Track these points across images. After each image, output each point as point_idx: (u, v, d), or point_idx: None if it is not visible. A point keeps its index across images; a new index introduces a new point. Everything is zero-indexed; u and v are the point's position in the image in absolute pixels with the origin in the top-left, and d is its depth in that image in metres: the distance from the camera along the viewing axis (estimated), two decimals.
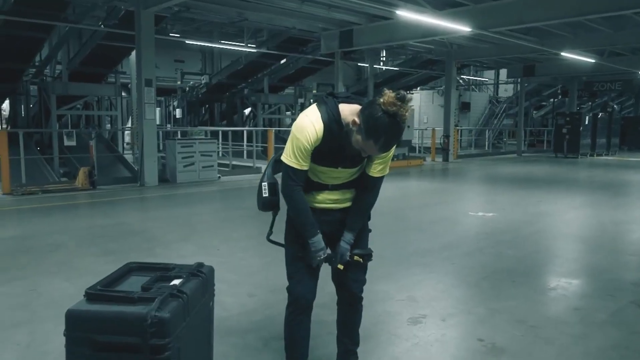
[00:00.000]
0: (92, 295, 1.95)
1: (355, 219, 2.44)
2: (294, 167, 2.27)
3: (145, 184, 10.28)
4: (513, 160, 19.08)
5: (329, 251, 2.40)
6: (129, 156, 13.94)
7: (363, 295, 2.61)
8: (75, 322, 1.87)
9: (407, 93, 2.15)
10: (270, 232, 2.59)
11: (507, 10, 10.54)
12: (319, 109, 2.24)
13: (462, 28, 10.97)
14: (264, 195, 2.50)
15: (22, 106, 14.90)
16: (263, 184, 2.52)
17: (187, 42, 16.55)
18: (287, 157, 2.28)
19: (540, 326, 3.47)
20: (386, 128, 2.05)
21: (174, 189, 10.20)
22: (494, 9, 10.74)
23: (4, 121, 17.54)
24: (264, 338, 3.22)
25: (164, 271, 2.26)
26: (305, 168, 2.29)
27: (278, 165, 2.45)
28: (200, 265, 2.38)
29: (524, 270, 4.80)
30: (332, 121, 2.21)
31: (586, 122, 19.86)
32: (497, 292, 4.16)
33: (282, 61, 18.46)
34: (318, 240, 2.33)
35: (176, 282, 2.12)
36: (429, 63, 20.44)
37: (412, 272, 4.67)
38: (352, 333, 2.68)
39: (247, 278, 4.41)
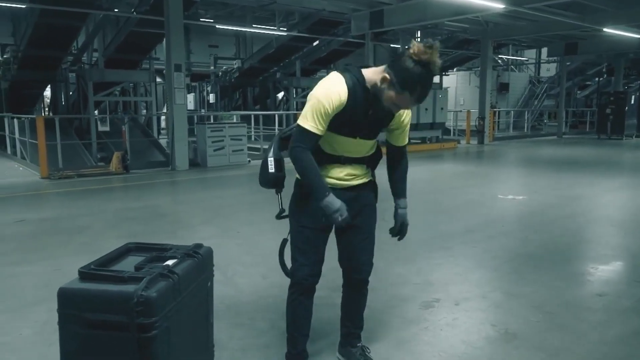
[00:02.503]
0: (84, 274, 1.99)
1: (400, 184, 2.52)
2: (309, 129, 2.17)
3: (177, 168, 10.47)
4: (553, 142, 18.44)
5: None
6: (164, 141, 14.22)
7: (376, 278, 2.61)
8: (66, 300, 1.91)
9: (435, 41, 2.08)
10: (281, 211, 2.55)
11: None
12: (342, 74, 2.20)
13: (495, 5, 10.59)
14: (270, 170, 2.43)
15: (62, 93, 15.41)
16: (269, 159, 2.45)
17: (218, 26, 16.65)
18: (304, 120, 2.19)
19: (557, 312, 3.35)
20: (420, 77, 2.04)
21: (204, 172, 10.35)
22: None
23: (46, 107, 18.21)
24: (272, 320, 3.23)
25: (161, 252, 2.29)
26: (320, 133, 2.19)
27: (285, 142, 2.41)
28: (198, 246, 2.39)
29: (548, 255, 4.64)
30: (356, 85, 2.18)
31: (632, 102, 18.94)
32: (517, 277, 4.04)
33: (314, 44, 18.35)
34: (331, 200, 2.19)
35: (169, 262, 2.14)
36: (465, 43, 19.89)
37: (432, 256, 4.58)
38: (355, 317, 2.65)
39: (263, 260, 4.43)
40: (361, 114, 2.21)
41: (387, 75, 2.09)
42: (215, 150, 11.10)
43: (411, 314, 3.35)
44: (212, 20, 17.22)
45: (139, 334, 1.83)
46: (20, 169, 10.89)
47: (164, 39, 11.14)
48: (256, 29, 16.92)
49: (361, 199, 2.45)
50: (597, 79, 27.81)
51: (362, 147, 2.37)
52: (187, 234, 5.39)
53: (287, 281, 2.51)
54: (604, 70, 25.93)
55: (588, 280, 4.01)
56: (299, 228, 2.40)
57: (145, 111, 17.38)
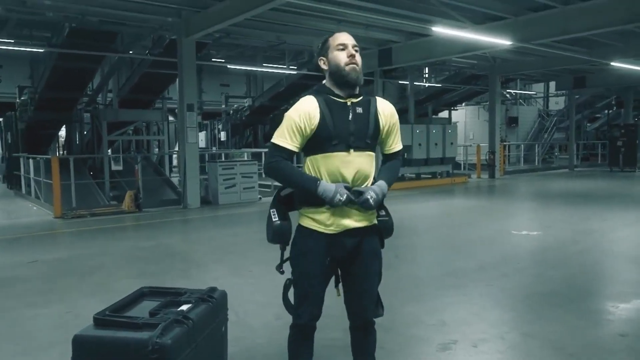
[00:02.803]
0: (99, 320, 1.99)
1: (384, 172, 2.43)
2: (281, 144, 2.24)
3: (188, 206, 10.53)
4: (564, 175, 18.33)
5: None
6: (176, 179, 14.36)
7: (380, 319, 2.53)
8: (81, 348, 1.91)
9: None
10: (281, 264, 2.49)
11: (549, 21, 10.23)
12: (310, 94, 2.34)
13: (503, 42, 10.74)
14: (273, 220, 2.37)
15: (77, 133, 15.71)
16: (272, 210, 2.41)
17: (229, 66, 17.02)
18: (276, 137, 2.27)
19: (579, 354, 3.26)
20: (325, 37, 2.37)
21: (215, 210, 10.39)
22: (535, 20, 10.45)
23: (61, 147, 18.53)
24: None
25: (175, 296, 2.29)
26: (292, 147, 2.23)
27: (282, 199, 2.44)
28: (212, 290, 2.39)
29: (565, 292, 4.55)
30: (322, 93, 2.31)
31: None
32: (534, 316, 3.95)
33: (323, 82, 18.62)
34: (325, 187, 2.19)
35: (184, 307, 2.13)
36: (473, 78, 20.09)
37: (445, 294, 4.51)
38: (367, 358, 2.60)
39: (276, 300, 4.32)
40: (344, 118, 2.26)
41: (320, 59, 2.35)
42: (226, 188, 11.16)
43: (429, 356, 3.28)
44: (223, 60, 17.64)
45: None
46: (35, 208, 11.01)
47: (177, 80, 11.43)
48: (266, 68, 17.27)
49: (364, 245, 2.38)
50: (606, 111, 27.83)
51: (360, 162, 2.30)
52: (199, 274, 5.37)
53: None
54: (613, 102, 25.96)
55: (608, 320, 3.91)
56: (302, 276, 2.39)
57: (157, 150, 17.65)
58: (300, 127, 2.23)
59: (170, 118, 18.21)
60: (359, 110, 2.33)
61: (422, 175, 15.41)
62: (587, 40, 12.98)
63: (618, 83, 19.52)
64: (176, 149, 18.55)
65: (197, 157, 10.97)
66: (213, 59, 15.89)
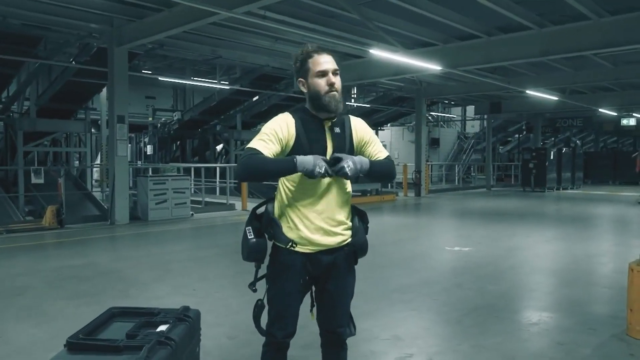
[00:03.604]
0: (73, 344, 1.84)
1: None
2: (254, 146, 2.15)
3: (116, 222, 10.02)
4: (483, 194, 19.43)
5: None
6: (97, 194, 13.62)
7: (345, 340, 2.54)
8: None
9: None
10: (254, 283, 2.38)
11: (475, 50, 10.93)
12: (287, 112, 2.35)
13: (433, 67, 11.31)
14: (249, 238, 2.29)
15: None
16: (247, 228, 2.34)
17: (160, 78, 16.53)
18: (251, 142, 2.20)
19: None
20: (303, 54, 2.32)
21: (145, 227, 9.95)
22: (463, 48, 11.13)
23: None
24: None
25: (149, 316, 2.17)
26: (267, 152, 2.15)
27: (258, 217, 2.39)
28: (186, 309, 2.30)
29: (504, 305, 4.81)
30: (299, 111, 2.32)
31: (551, 157, 20.49)
32: (481, 329, 4.14)
33: (255, 98, 18.59)
34: (302, 160, 2.10)
35: (163, 328, 2.03)
36: (399, 100, 20.91)
37: (395, 309, 4.61)
38: None
39: (226, 319, 4.27)
40: (320, 138, 2.27)
41: (299, 81, 2.32)
42: (157, 204, 10.75)
43: None
44: (151, 72, 17.09)
45: None
46: None
47: (103, 90, 10.92)
48: (197, 82, 16.95)
49: (340, 261, 2.38)
50: (517, 135, 29.98)
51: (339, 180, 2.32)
52: (140, 293, 5.12)
53: (255, 338, 2.45)
54: (523, 127, 28.02)
55: (546, 330, 4.17)
56: (278, 294, 2.35)
57: (78, 162, 16.67)
58: (279, 137, 2.20)
59: (93, 130, 17.31)
60: (337, 130, 2.36)
61: (353, 193, 15.65)
62: (505, 69, 13.99)
63: (530, 109, 21.14)
64: (97, 162, 17.66)
65: (127, 171, 10.52)
66: (142, 71, 15.34)
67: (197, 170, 15.17)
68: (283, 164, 2.13)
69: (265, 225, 2.32)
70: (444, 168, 24.87)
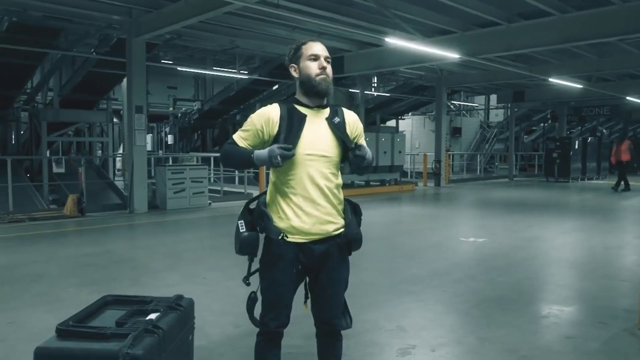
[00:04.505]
0: (63, 331, 1.88)
1: None
2: (233, 138, 2.30)
3: (135, 210, 10.18)
4: (505, 184, 19.14)
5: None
6: (119, 183, 13.86)
7: (341, 331, 2.52)
8: None
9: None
10: (248, 277, 2.43)
11: (495, 38, 10.70)
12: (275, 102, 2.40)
13: (451, 55, 11.12)
14: (241, 231, 2.33)
15: (13, 133, 14.86)
16: (239, 222, 2.37)
17: (179, 68, 16.66)
18: (232, 136, 2.33)
19: (531, 356, 3.40)
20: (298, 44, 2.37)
21: (163, 215, 10.10)
22: (482, 36, 10.91)
23: None
24: None
25: (141, 304, 2.20)
26: (242, 144, 2.29)
27: (251, 210, 2.43)
28: (179, 297, 2.32)
29: (515, 297, 4.74)
30: (287, 102, 2.35)
31: (576, 147, 20.04)
32: (488, 321, 4.09)
33: (274, 87, 18.60)
34: (258, 154, 2.20)
35: (152, 316, 2.06)
36: (420, 89, 20.66)
37: (402, 301, 4.59)
38: None
39: (233, 308, 4.31)
40: (299, 129, 2.26)
41: (291, 67, 2.34)
42: (175, 193, 10.89)
43: None
44: (172, 62, 17.23)
45: None
46: None
47: (124, 80, 11.07)
48: (217, 72, 17.03)
49: (333, 251, 2.37)
50: (542, 124, 29.38)
51: (329, 165, 2.33)
52: (151, 281, 5.20)
53: None
54: (548, 116, 27.44)
55: (555, 323, 4.10)
56: (271, 284, 2.36)
57: (100, 152, 16.97)
58: (257, 129, 2.28)
59: (115, 120, 17.60)
60: (337, 120, 2.37)
61: (372, 183, 15.64)
62: (527, 56, 13.68)
63: (554, 98, 20.66)
64: (120, 151, 17.96)
65: (145, 161, 10.65)
66: (162, 61, 15.48)
67: (217, 160, 15.30)
68: (243, 158, 2.25)
69: (256, 218, 2.33)
70: (465, 157, 24.55)
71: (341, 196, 2.42)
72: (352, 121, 2.45)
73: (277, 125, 2.26)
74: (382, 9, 9.21)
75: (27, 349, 3.40)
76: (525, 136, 30.68)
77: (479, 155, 24.90)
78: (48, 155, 13.38)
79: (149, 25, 9.72)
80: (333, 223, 2.35)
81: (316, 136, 2.29)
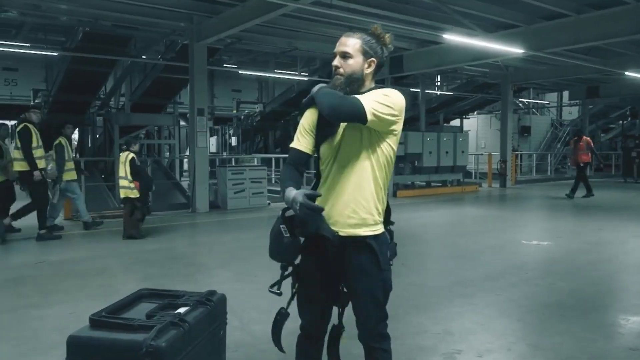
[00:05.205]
0: (95, 321, 1.97)
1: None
2: (290, 146, 2.25)
3: (197, 210, 10.54)
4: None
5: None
6: (186, 183, 14.40)
7: (382, 347, 2.30)
8: (75, 348, 1.88)
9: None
10: (280, 284, 2.33)
11: (562, 30, 10.14)
12: None
13: (515, 50, 10.66)
14: (285, 235, 2.17)
15: (89, 136, 15.86)
16: (281, 226, 2.19)
17: (241, 72, 17.08)
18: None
19: None
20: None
21: (223, 215, 10.38)
22: (547, 29, 10.37)
23: (73, 150, 18.71)
24: None
25: (173, 298, 2.26)
26: (300, 147, 2.21)
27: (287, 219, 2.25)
28: (211, 293, 2.37)
29: (575, 303, 4.46)
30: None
31: None
32: (542, 328, 3.87)
33: None
34: (287, 194, 2.07)
35: (181, 310, 2.11)
36: (485, 86, 20.00)
37: (452, 304, 4.44)
38: None
39: (279, 306, 4.34)
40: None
41: (373, 60, 2.20)
42: (235, 193, 11.17)
43: None
44: (235, 66, 17.73)
45: None
46: None
47: (189, 84, 11.48)
48: (278, 74, 17.32)
49: (350, 258, 2.21)
50: (621, 122, 27.53)
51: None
52: (203, 278, 5.35)
53: None
54: (627, 113, 25.68)
55: (619, 333, 3.82)
56: (300, 279, 2.34)
57: (168, 154, 17.73)
58: (306, 128, 2.23)
59: (182, 122, 18.32)
60: None
61: (433, 184, 15.31)
62: (601, 49, 12.85)
63: (633, 93, 19.29)
64: (187, 153, 18.69)
65: (206, 162, 11.00)
66: (225, 65, 15.96)
67: (278, 161, 15.56)
68: (281, 187, 2.19)
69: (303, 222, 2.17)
70: (534, 157, 23.42)
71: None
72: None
73: (316, 121, 2.22)
74: (440, 5, 8.99)
75: None
76: (602, 134, 28.87)
77: (549, 155, 23.70)
78: None
79: (209, 30, 10.03)
80: (347, 225, 2.23)
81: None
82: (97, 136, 16.00)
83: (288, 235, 2.16)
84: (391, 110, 2.10)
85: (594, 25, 9.76)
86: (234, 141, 20.35)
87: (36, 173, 7.12)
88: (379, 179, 2.20)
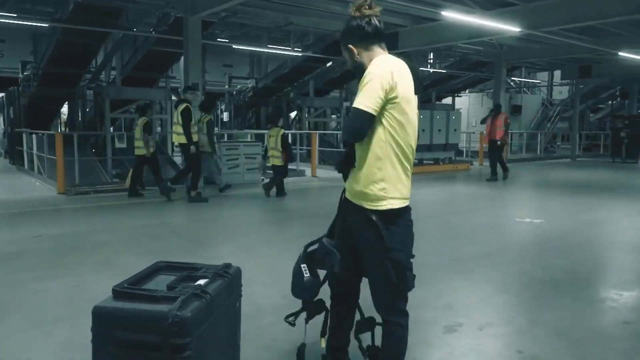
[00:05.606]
0: (118, 292, 1.99)
1: None
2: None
3: None
4: (566, 165, 18.33)
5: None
6: (178, 159, 14.31)
7: (397, 321, 2.38)
8: (101, 319, 1.91)
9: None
10: (296, 316, 2.55)
11: (559, 9, 10.15)
12: None
13: (512, 28, 10.65)
14: (305, 275, 2.33)
15: (79, 110, 15.65)
16: (302, 266, 2.36)
17: (234, 46, 16.86)
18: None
19: (584, 340, 3.29)
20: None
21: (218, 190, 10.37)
22: (545, 7, 10.36)
23: (63, 124, 18.49)
24: (296, 341, 3.19)
25: (191, 271, 2.29)
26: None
27: (310, 257, 2.43)
28: (227, 266, 2.40)
29: (570, 280, 4.58)
30: None
31: None
32: (540, 303, 3.98)
33: (328, 64, 18.49)
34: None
35: (201, 282, 2.14)
36: (478, 65, 19.97)
37: (452, 279, 4.54)
38: (381, 354, 2.48)
39: (283, 280, 4.37)
40: None
41: (350, 46, 2.29)
42: (229, 169, 11.14)
43: (435, 339, 3.30)
44: (227, 41, 17.50)
45: (173, 354, 1.83)
46: (37, 184, 11.01)
47: (182, 58, 11.34)
48: (271, 50, 17.12)
49: (357, 231, 2.29)
50: (610, 102, 27.74)
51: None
52: (205, 253, 5.39)
53: None
54: (617, 93, 25.86)
55: (613, 307, 3.94)
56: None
57: (160, 129, 17.57)
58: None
59: (173, 98, 18.12)
60: None
61: (425, 161, 15.39)
62: (595, 29, 12.89)
63: (624, 74, 19.42)
64: None
65: None
66: (218, 39, 15.74)
67: None
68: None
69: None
70: (525, 136, 23.60)
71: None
72: None
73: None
74: None
75: (90, 309, 3.65)
76: (591, 114, 29.10)
77: (539, 134, 23.89)
78: (112, 131, 14.01)
79: (204, 2, 9.87)
80: (353, 191, 2.33)
81: None
82: (87, 110, 15.80)
83: (308, 275, 2.34)
84: (380, 92, 2.10)
85: (591, 4, 9.77)
86: (225, 117, 20.21)
87: (192, 147, 8.44)
88: (391, 153, 2.21)
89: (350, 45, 2.28)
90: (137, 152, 9.26)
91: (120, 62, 14.62)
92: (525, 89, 28.78)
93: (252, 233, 6.54)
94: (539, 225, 7.12)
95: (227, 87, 20.95)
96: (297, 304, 2.62)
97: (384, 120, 2.16)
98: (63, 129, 18.24)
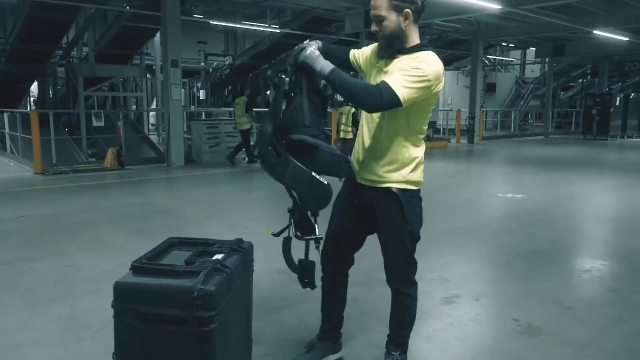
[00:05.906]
0: (138, 268, 1.97)
1: None
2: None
3: (172, 164, 10.39)
4: (540, 142, 18.73)
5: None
6: (153, 137, 14.08)
7: (409, 292, 2.46)
8: (123, 294, 1.89)
9: None
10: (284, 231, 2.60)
11: None
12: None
13: (492, 5, 10.71)
14: (325, 183, 2.21)
15: (50, 88, 15.17)
16: (313, 172, 2.19)
17: (211, 22, 16.52)
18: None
19: (576, 307, 3.42)
20: None
21: (199, 169, 10.28)
22: None
23: (32, 103, 17.90)
24: (299, 314, 3.25)
25: (205, 246, 2.28)
26: (351, 52, 2.53)
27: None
28: (240, 241, 2.40)
29: (556, 251, 4.73)
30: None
31: (617, 103, 19.33)
32: (530, 273, 4.11)
33: (306, 42, 18.33)
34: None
35: (218, 256, 2.14)
36: (455, 42, 20.06)
37: (443, 253, 4.63)
38: (392, 321, 2.55)
39: (277, 256, 4.37)
40: None
41: (408, 10, 2.14)
42: (210, 147, 11.03)
43: (434, 309, 3.38)
44: (202, 16, 17.11)
45: (199, 327, 1.83)
46: (12, 164, 10.70)
47: (158, 34, 11.06)
48: (248, 26, 16.83)
49: (378, 208, 2.35)
50: (581, 80, 28.30)
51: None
52: (194, 230, 5.36)
53: None
54: (588, 72, 26.40)
55: (599, 277, 4.09)
56: (330, 219, 2.53)
57: (135, 107, 17.22)
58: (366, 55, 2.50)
59: (148, 75, 17.70)
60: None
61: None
62: (571, 7, 13.05)
63: (597, 51, 19.77)
64: (153, 106, 18.16)
65: (181, 115, 10.79)
66: (193, 15, 15.37)
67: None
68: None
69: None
70: (499, 114, 23.95)
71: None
72: (398, 64, 2.25)
73: None
74: None
75: (88, 288, 3.62)
76: (562, 92, 29.66)
77: (513, 112, 24.28)
78: (85, 109, 13.65)
79: None
80: (371, 176, 2.40)
81: None
82: (59, 87, 15.33)
83: (325, 180, 2.20)
84: (424, 83, 2.07)
85: None
86: (202, 94, 19.90)
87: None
88: (413, 137, 2.33)
89: (408, 10, 2.13)
90: (242, 127, 10.50)
91: (93, 38, 14.17)
92: (499, 67, 29.10)
93: (238, 211, 6.52)
94: (520, 200, 7.29)
95: (202, 64, 20.56)
96: (296, 280, 2.64)
97: (413, 107, 2.16)
98: (32, 107, 17.68)
